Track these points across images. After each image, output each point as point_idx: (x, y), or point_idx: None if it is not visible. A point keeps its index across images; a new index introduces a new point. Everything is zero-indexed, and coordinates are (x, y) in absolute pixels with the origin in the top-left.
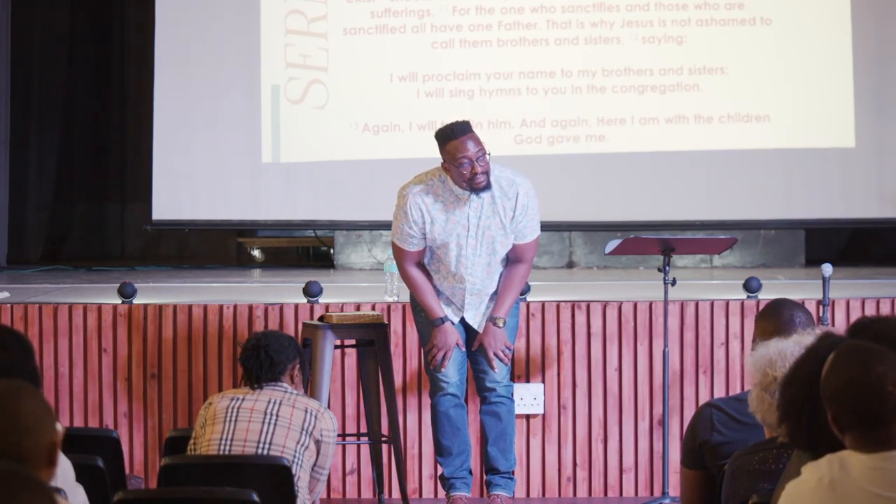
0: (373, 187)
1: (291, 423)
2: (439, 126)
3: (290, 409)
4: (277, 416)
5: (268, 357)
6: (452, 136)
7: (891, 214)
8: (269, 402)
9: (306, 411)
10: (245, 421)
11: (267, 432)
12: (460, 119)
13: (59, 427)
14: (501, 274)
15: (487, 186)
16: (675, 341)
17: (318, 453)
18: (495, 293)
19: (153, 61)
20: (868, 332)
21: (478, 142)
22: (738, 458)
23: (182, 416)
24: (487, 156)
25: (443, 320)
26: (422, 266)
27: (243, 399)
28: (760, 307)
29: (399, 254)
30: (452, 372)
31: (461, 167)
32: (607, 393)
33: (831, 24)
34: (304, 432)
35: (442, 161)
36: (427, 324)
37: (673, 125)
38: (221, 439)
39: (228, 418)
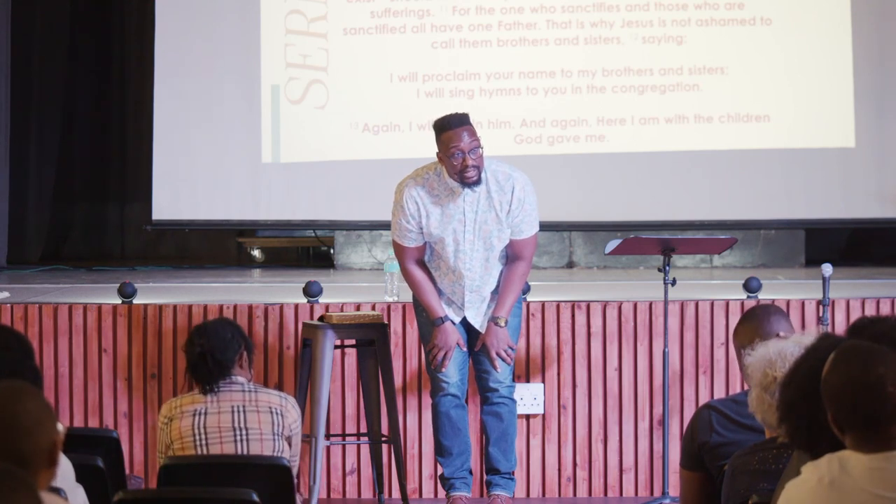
0: (373, 187)
1: (262, 433)
2: None
3: (256, 414)
4: (247, 429)
5: (215, 362)
6: (448, 127)
7: (891, 214)
8: (232, 411)
9: (271, 412)
10: (217, 444)
11: (242, 451)
12: (460, 111)
13: (61, 427)
14: (501, 272)
15: (478, 182)
16: (675, 341)
17: (290, 445)
18: (495, 292)
19: (153, 61)
20: (868, 332)
21: (473, 134)
22: (738, 458)
23: None
24: (480, 150)
25: (443, 320)
26: (423, 265)
27: (206, 414)
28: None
29: (399, 251)
30: (453, 372)
31: (452, 158)
32: (607, 393)
33: (831, 24)
34: (276, 437)
35: (437, 152)
36: (428, 324)
37: (673, 125)
38: None
39: (198, 443)
